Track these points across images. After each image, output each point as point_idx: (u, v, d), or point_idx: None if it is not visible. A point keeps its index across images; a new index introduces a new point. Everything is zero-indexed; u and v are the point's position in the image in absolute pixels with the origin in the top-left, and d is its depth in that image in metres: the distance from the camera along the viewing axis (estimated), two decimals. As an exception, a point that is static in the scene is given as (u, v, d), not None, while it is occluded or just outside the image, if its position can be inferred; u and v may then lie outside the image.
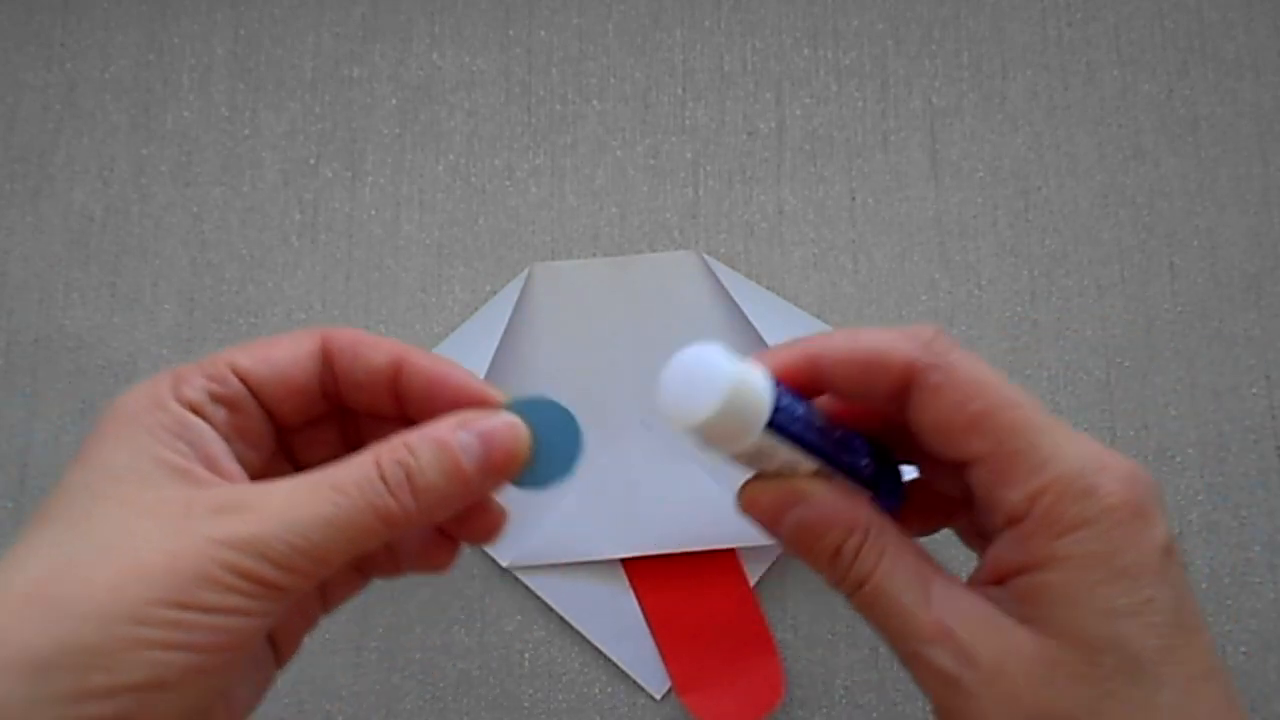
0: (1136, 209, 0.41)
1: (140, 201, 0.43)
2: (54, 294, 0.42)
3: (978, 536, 0.27)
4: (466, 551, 0.40)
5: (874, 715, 0.39)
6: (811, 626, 0.39)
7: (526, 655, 0.39)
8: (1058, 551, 0.22)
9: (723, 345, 0.22)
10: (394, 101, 0.43)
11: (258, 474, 0.25)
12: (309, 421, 0.27)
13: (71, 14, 0.44)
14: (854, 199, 0.42)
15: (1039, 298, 0.41)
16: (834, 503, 0.24)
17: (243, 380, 0.25)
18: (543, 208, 0.42)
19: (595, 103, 0.43)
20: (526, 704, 0.39)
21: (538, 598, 0.39)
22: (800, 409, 0.23)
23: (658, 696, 0.39)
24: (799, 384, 0.24)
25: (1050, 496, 0.22)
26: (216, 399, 0.25)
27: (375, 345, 0.26)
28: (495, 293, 0.41)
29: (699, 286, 0.41)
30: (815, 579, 0.39)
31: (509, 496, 0.40)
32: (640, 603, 0.39)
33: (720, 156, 0.42)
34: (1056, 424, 0.23)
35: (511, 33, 0.43)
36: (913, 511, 0.28)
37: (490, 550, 0.39)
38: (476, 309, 0.41)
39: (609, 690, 0.39)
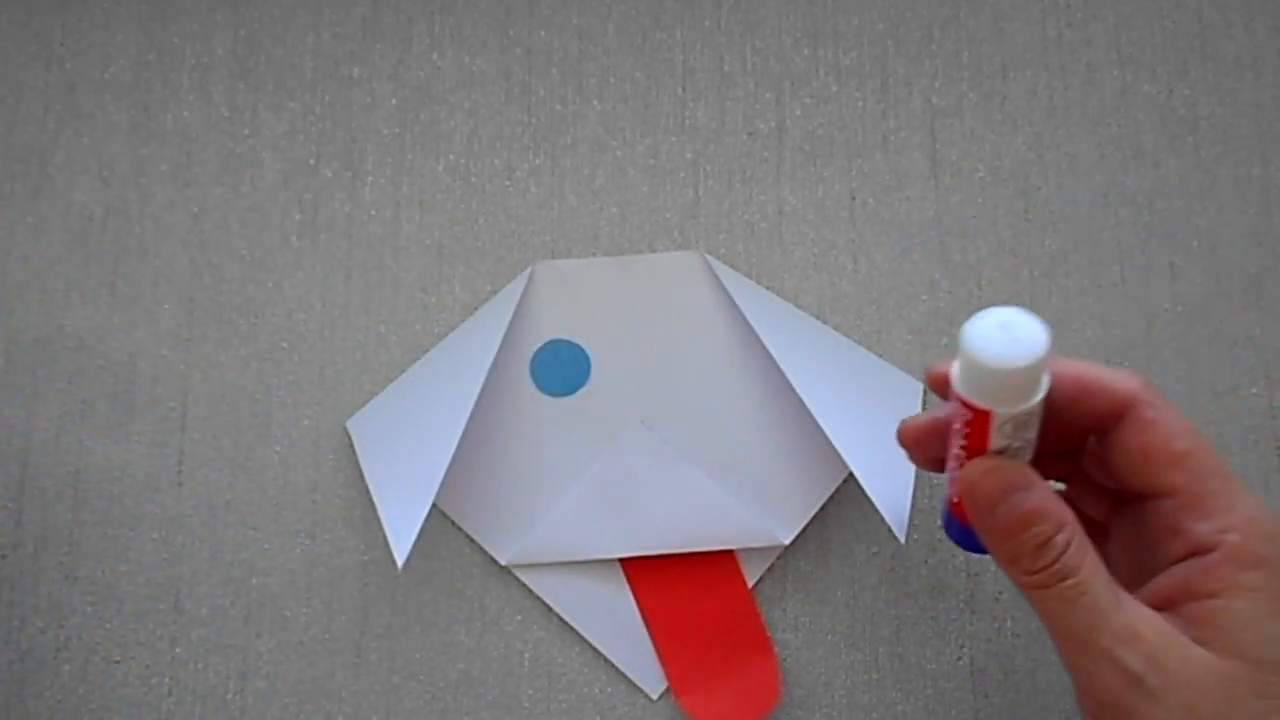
0: (1136, 209, 0.41)
1: (140, 201, 0.43)
2: (54, 294, 0.42)
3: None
4: (466, 551, 0.40)
5: (874, 715, 0.39)
6: (811, 627, 0.39)
7: (526, 655, 0.39)
8: (1243, 582, 0.25)
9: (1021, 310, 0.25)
10: (394, 101, 0.43)
11: None
12: None
13: (71, 14, 0.44)
14: (854, 199, 0.42)
15: (1039, 298, 0.41)
16: (1052, 496, 0.27)
17: None
18: (543, 208, 0.42)
19: (595, 103, 0.43)
20: (526, 704, 0.39)
21: (538, 598, 0.39)
22: None
23: (654, 697, 0.39)
24: None
25: (1239, 535, 0.25)
26: None
27: None
28: (495, 293, 0.41)
29: (702, 287, 0.41)
30: (815, 580, 0.39)
31: (507, 491, 0.40)
32: (638, 603, 0.39)
33: (720, 156, 0.42)
34: (1235, 475, 0.27)
35: (511, 33, 0.43)
36: None
37: (489, 548, 0.39)
38: (476, 309, 0.41)
39: (608, 690, 0.39)
